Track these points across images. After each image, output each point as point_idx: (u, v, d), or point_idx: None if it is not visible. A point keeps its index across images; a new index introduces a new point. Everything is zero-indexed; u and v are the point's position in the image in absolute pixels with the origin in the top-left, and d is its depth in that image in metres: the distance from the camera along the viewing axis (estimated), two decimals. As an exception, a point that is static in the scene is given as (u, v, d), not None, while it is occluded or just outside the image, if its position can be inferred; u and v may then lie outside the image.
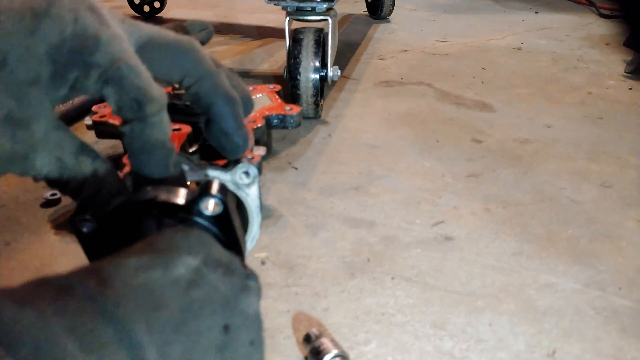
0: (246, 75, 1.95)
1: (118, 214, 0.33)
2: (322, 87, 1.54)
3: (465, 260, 1.00)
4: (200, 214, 0.32)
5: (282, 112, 1.12)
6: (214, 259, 0.29)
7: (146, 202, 0.32)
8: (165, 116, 0.33)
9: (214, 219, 0.32)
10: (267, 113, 1.10)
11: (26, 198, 1.14)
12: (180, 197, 0.33)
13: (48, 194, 1.12)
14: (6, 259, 0.97)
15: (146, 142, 0.32)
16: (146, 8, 2.75)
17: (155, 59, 0.35)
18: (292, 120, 1.11)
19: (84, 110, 1.53)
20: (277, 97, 1.18)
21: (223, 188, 0.34)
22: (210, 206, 0.33)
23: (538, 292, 0.92)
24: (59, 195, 1.12)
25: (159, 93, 0.33)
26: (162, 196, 0.32)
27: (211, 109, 0.36)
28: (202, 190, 0.33)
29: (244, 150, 0.38)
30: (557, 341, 0.82)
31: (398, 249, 1.02)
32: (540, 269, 0.98)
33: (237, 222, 0.34)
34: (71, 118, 1.50)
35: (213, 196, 0.32)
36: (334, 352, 0.73)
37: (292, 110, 1.12)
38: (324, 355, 0.72)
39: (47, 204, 1.13)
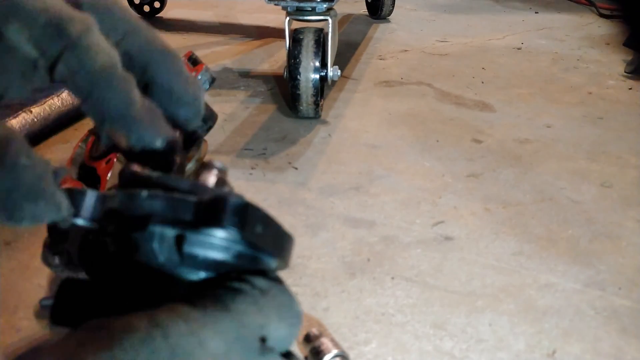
0: (246, 75, 1.95)
1: (105, 231, 0.26)
2: (322, 87, 1.54)
3: (465, 260, 1.00)
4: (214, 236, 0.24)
5: None
6: None
7: (141, 220, 0.24)
8: (101, 39, 0.26)
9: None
10: None
11: (26, 198, 1.14)
12: (186, 213, 0.24)
13: None
14: (6, 259, 0.97)
15: (91, 71, 0.25)
16: (146, 8, 2.75)
17: None
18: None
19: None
20: (188, 65, 1.09)
21: (240, 208, 0.24)
22: (222, 236, 0.24)
23: (538, 292, 0.92)
24: None
25: (79, 13, 0.26)
26: (160, 213, 0.24)
27: (149, 68, 0.29)
28: (209, 214, 0.24)
29: (199, 112, 0.30)
30: (557, 341, 0.82)
31: (398, 249, 1.02)
32: (540, 269, 0.98)
33: (269, 243, 0.26)
34: (71, 118, 1.50)
35: (224, 227, 0.24)
36: (334, 352, 0.73)
37: (195, 73, 1.05)
38: (324, 355, 0.72)
39: None
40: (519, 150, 1.42)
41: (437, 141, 1.46)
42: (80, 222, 0.25)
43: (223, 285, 0.24)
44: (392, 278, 0.94)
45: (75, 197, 0.25)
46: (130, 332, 0.21)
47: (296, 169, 1.30)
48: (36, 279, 0.92)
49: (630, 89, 1.87)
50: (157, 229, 0.24)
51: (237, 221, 0.23)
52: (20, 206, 0.23)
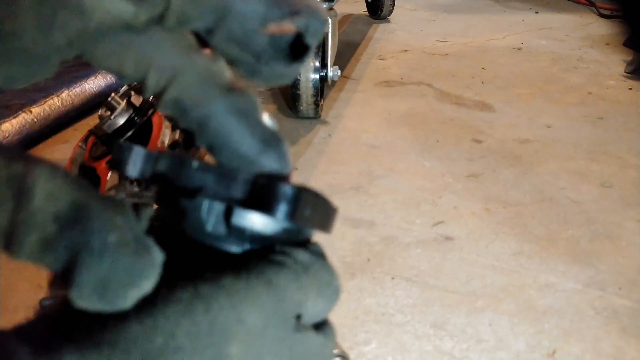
0: (246, 75, 1.95)
1: None
2: (322, 87, 1.54)
3: (465, 260, 1.00)
4: None
5: None
6: None
7: (190, 190, 0.23)
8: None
9: None
10: None
11: (26, 198, 1.14)
12: (237, 191, 0.23)
13: None
14: (6, 259, 0.97)
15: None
16: (146, 8, 2.75)
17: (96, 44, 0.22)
18: None
19: (84, 109, 1.53)
20: None
21: (293, 196, 0.23)
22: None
23: (538, 292, 0.92)
24: None
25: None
26: (211, 187, 0.23)
27: (207, 125, 0.23)
28: (260, 199, 0.23)
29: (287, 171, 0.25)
30: (557, 341, 0.82)
31: (398, 249, 1.02)
32: (540, 269, 0.98)
33: (316, 221, 0.25)
34: (71, 118, 1.50)
35: (274, 215, 0.23)
36: (334, 352, 0.73)
37: None
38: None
39: None
40: (519, 150, 1.42)
41: (437, 141, 1.46)
42: (130, 175, 0.24)
43: (267, 259, 0.24)
44: (392, 278, 0.94)
45: (124, 152, 0.24)
46: (174, 301, 0.21)
47: (296, 169, 1.30)
48: (36, 279, 0.92)
49: (630, 89, 1.87)
50: (207, 200, 0.24)
51: (288, 210, 0.23)
52: (124, 293, 0.20)
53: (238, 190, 0.23)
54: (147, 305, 0.20)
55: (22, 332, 0.20)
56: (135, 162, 0.24)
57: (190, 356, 0.20)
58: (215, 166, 0.24)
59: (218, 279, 0.22)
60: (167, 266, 0.22)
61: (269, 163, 0.24)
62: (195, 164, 0.23)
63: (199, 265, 0.23)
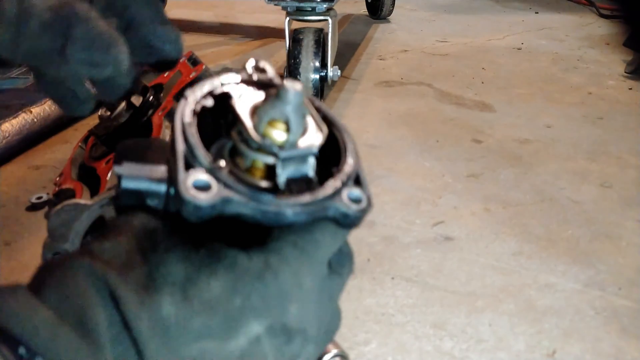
0: (246, 75, 1.95)
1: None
2: (322, 87, 1.53)
3: (465, 260, 1.00)
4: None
5: (188, 80, 1.01)
6: (281, 325, 0.26)
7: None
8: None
9: None
10: (175, 91, 1.00)
11: (26, 198, 1.14)
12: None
13: (33, 197, 1.11)
14: (6, 259, 0.97)
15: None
16: (146, 8, 2.75)
17: None
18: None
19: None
20: (187, 65, 1.07)
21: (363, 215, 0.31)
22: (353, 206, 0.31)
23: (538, 292, 0.92)
24: (44, 198, 1.10)
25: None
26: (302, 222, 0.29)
27: (127, 13, 0.32)
28: (347, 224, 0.30)
29: (177, 54, 0.33)
30: (557, 341, 0.82)
31: (398, 249, 1.02)
32: (540, 269, 0.98)
33: None
34: (71, 118, 1.50)
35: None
36: (334, 352, 0.73)
37: (196, 73, 1.03)
38: (323, 355, 0.72)
39: (33, 207, 1.12)
40: (519, 150, 1.42)
41: (437, 141, 1.46)
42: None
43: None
44: (392, 278, 0.94)
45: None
46: (250, 270, 0.26)
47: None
48: (36, 279, 0.92)
49: (630, 89, 1.87)
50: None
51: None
52: (104, 56, 0.30)
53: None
54: (228, 272, 0.26)
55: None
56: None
57: (261, 315, 0.26)
58: (307, 209, 0.28)
59: (281, 250, 0.27)
60: (242, 239, 0.28)
61: (170, 49, 0.36)
62: (289, 212, 0.27)
63: (265, 233, 0.28)
